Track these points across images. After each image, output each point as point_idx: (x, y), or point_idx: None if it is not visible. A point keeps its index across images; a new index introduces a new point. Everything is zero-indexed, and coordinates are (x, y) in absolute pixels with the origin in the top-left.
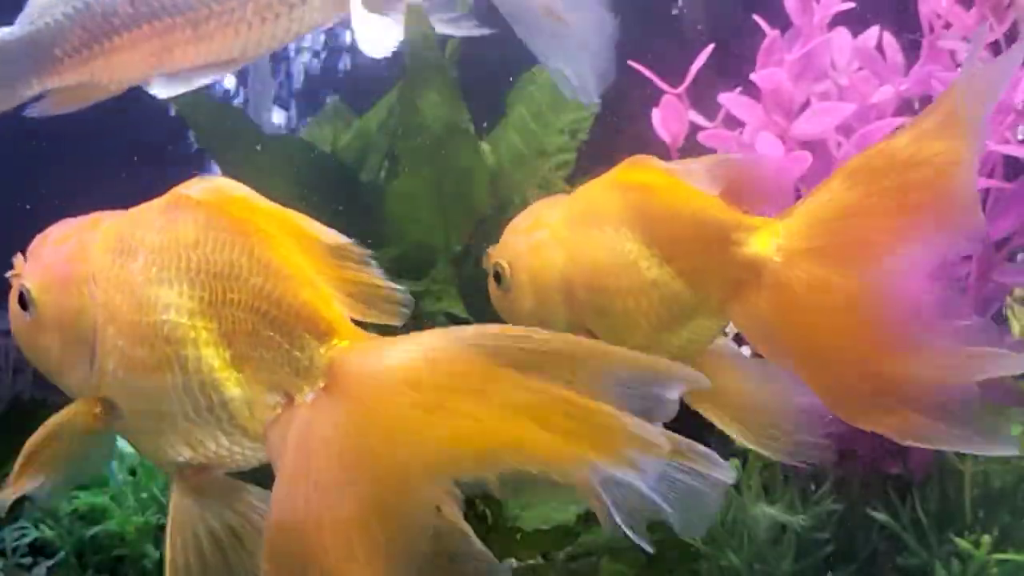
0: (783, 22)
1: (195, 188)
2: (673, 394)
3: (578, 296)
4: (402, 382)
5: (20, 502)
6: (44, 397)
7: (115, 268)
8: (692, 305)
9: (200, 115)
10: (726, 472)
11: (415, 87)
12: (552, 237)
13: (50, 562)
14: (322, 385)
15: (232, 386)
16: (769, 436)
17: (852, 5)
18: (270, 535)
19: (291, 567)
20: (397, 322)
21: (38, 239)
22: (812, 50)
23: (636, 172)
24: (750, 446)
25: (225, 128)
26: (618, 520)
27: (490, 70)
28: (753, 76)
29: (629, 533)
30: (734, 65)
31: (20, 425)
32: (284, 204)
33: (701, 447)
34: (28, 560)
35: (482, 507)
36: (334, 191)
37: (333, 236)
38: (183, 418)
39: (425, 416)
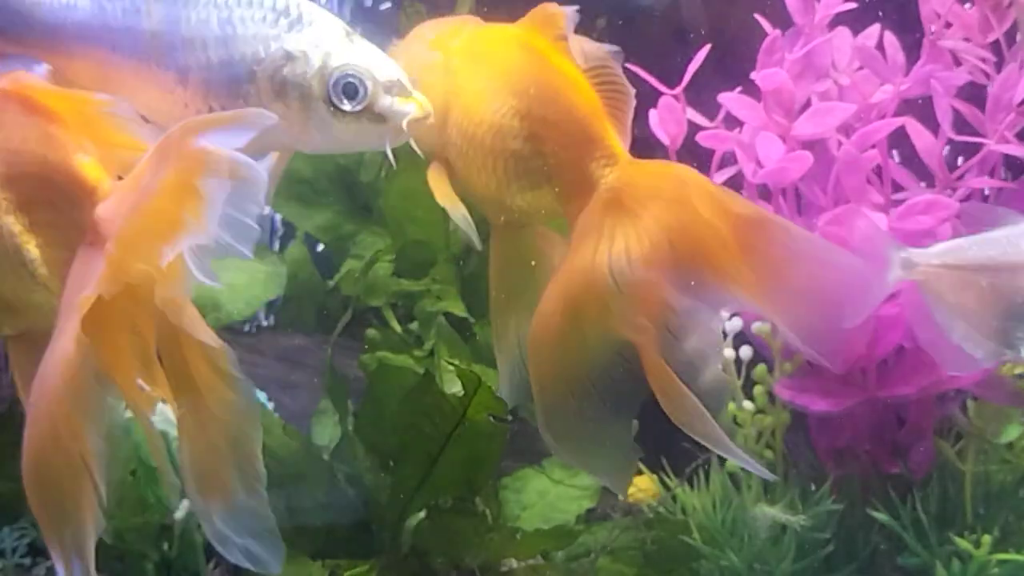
0: (784, 22)
1: (2, 80)
2: (243, 138)
3: (447, 129)
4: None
5: (20, 502)
6: None
7: None
8: (538, 183)
9: None
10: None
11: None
12: (445, 64)
13: (50, 562)
14: (89, 240)
15: (32, 248)
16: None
17: (854, 5)
18: (40, 369)
19: (55, 390)
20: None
21: None
22: (813, 49)
23: (542, 39)
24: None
25: None
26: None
27: None
28: (754, 75)
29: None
30: (734, 65)
31: (21, 425)
32: (284, 204)
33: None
34: (28, 560)
35: (482, 507)
36: (334, 191)
37: (103, 101)
38: (3, 285)
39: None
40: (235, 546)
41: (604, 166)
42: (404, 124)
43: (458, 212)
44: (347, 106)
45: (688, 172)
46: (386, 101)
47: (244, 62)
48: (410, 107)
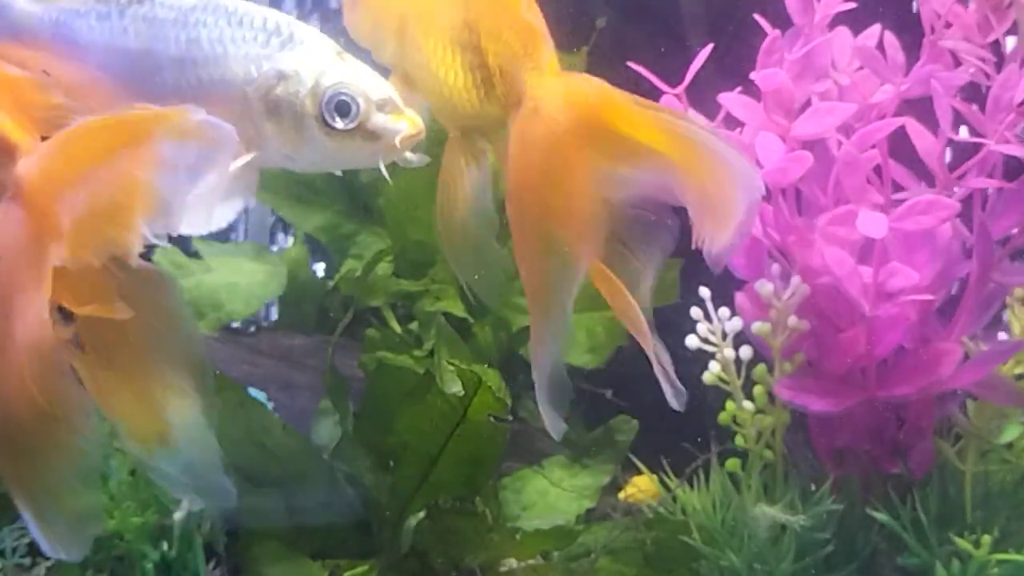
0: (783, 22)
1: None
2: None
3: (405, 44)
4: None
5: None
6: None
7: None
8: (486, 94)
9: None
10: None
11: None
12: None
13: (49, 562)
14: (10, 195)
15: None
16: None
17: (853, 5)
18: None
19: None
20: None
21: None
22: (813, 49)
23: None
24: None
25: None
26: None
27: None
28: (753, 76)
29: None
30: (734, 65)
31: None
32: (284, 204)
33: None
34: (28, 560)
35: (482, 507)
36: (334, 191)
37: (27, 73)
38: None
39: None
40: (184, 486)
41: (535, 77)
42: (397, 141)
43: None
44: (340, 124)
45: (600, 83)
46: (379, 119)
47: (236, 82)
48: (402, 125)
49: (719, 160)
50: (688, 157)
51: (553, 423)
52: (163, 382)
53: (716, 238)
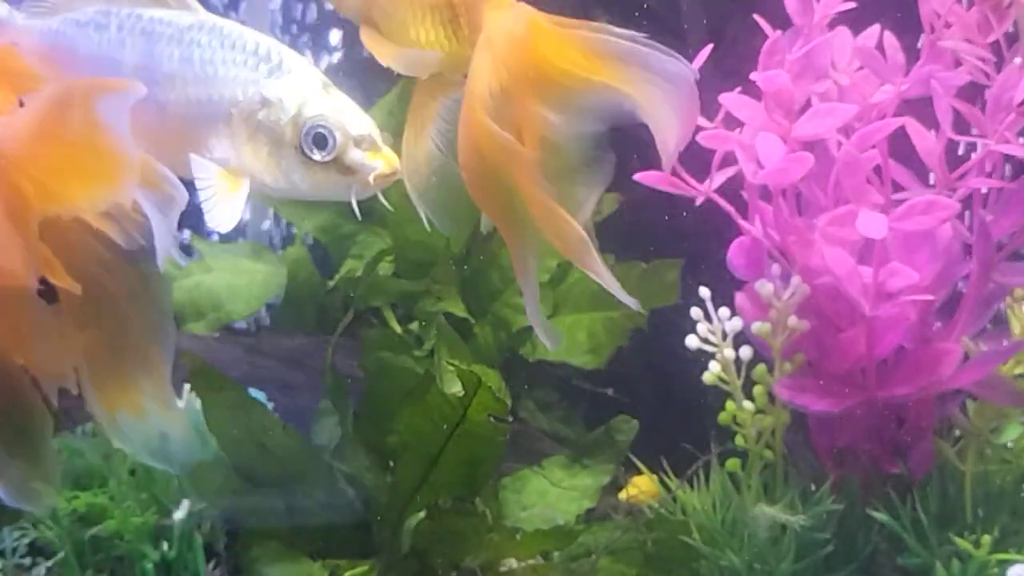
0: (783, 22)
1: None
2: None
3: None
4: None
5: None
6: None
7: None
8: (453, 33)
9: None
10: None
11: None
12: None
13: (50, 562)
14: None
15: None
16: None
17: (853, 5)
18: None
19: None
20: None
21: None
22: (813, 50)
23: None
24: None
25: None
26: None
27: None
28: (754, 76)
29: None
30: (734, 65)
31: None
32: (284, 204)
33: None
34: (28, 560)
35: (482, 507)
36: None
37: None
38: None
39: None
40: (146, 450)
41: (490, 11)
42: (371, 178)
43: (405, 61)
44: (317, 155)
45: (530, 14)
46: (355, 154)
47: (222, 103)
48: (378, 163)
49: (650, 71)
50: (622, 76)
51: (550, 335)
52: (138, 352)
53: (666, 143)
